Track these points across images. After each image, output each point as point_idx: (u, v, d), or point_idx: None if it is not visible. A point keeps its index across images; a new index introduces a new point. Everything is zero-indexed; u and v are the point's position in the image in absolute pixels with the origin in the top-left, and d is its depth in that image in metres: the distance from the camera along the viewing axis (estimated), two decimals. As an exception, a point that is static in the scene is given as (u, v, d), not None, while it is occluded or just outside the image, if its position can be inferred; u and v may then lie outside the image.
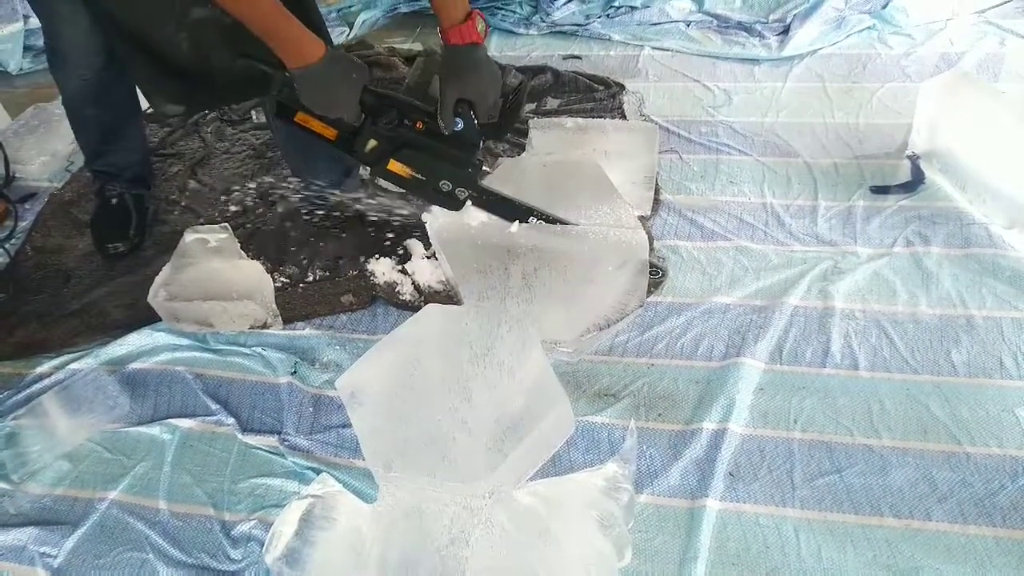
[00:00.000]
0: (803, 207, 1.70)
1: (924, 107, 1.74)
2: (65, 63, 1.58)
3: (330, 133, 1.42)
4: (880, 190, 1.71)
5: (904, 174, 1.75)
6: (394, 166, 1.41)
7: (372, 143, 1.39)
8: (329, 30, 2.62)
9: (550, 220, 1.50)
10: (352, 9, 2.75)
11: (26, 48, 2.70)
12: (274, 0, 1.20)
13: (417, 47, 2.46)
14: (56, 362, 1.51)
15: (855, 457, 1.21)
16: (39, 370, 1.51)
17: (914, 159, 1.76)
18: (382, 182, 1.48)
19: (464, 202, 1.46)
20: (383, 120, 1.37)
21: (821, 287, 1.49)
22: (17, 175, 2.08)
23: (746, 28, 2.38)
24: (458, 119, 1.35)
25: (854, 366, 1.35)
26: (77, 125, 1.74)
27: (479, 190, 1.47)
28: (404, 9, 2.75)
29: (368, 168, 1.45)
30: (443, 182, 1.43)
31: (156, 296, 1.49)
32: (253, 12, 1.20)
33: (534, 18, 2.57)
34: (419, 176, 1.42)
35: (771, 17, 2.38)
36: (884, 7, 2.34)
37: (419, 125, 1.38)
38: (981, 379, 1.30)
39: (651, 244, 1.56)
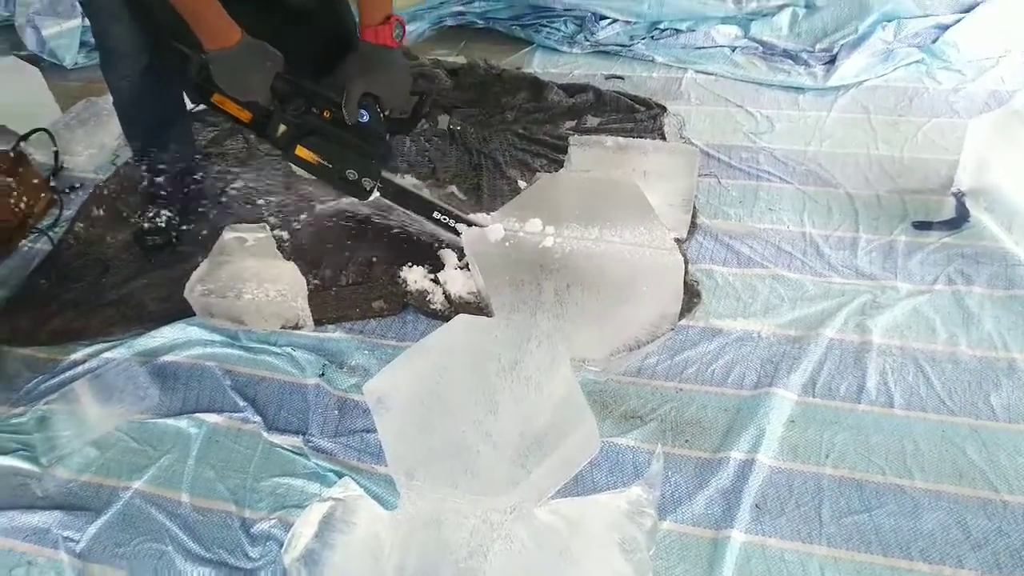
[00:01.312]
0: (843, 238, 1.67)
1: (972, 144, 1.71)
2: (114, 62, 1.61)
3: (245, 116, 1.47)
4: (923, 225, 1.68)
5: (948, 211, 1.72)
6: (301, 152, 1.45)
7: (283, 128, 1.44)
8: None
9: (452, 216, 1.53)
10: (399, 20, 2.79)
11: (81, 44, 2.77)
12: None
13: (461, 60, 2.48)
14: (90, 350, 1.54)
15: (886, 497, 1.18)
16: (74, 357, 1.53)
17: (959, 196, 1.73)
18: (294, 167, 1.52)
19: (371, 192, 1.50)
20: (290, 107, 1.42)
21: (859, 321, 1.46)
22: (65, 166, 2.13)
23: (792, 56, 2.36)
24: (364, 111, 1.39)
25: (889, 403, 1.32)
26: (126, 123, 1.78)
27: (384, 181, 1.51)
28: (450, 23, 2.77)
29: (280, 151, 1.49)
30: (349, 171, 1.47)
31: (192, 291, 1.51)
32: None
33: (578, 37, 2.57)
34: (325, 163, 1.46)
35: (818, 46, 2.36)
36: (934, 41, 2.30)
37: (326, 114, 1.43)
38: (1021, 425, 1.26)
39: (686, 267, 1.55)
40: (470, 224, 1.56)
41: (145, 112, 1.73)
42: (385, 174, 1.51)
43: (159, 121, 1.76)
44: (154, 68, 1.60)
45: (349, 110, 1.38)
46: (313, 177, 1.51)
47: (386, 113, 1.44)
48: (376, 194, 1.52)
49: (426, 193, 1.57)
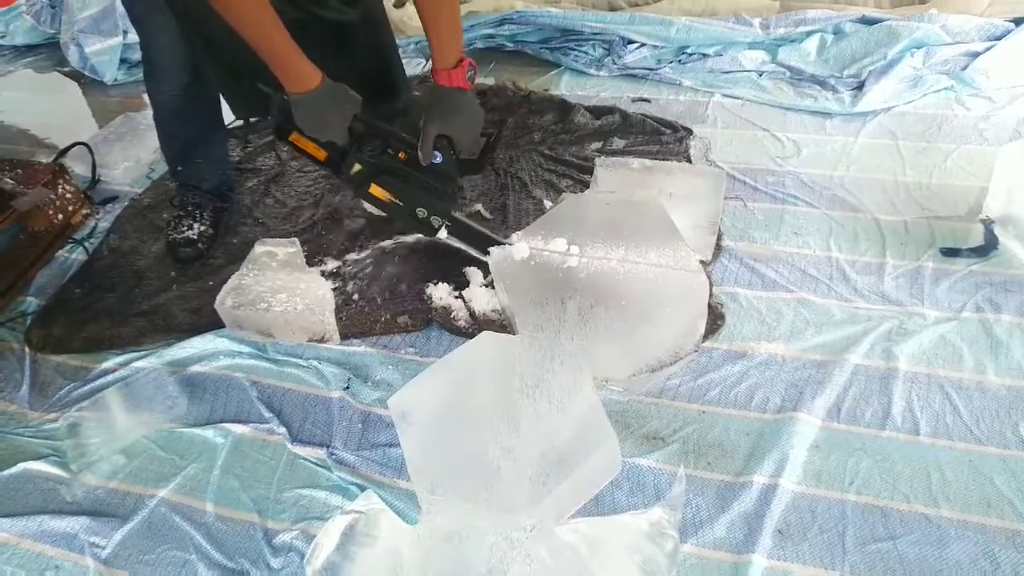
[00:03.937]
0: (870, 264, 1.66)
1: (1002, 171, 1.69)
2: (157, 76, 1.66)
3: (320, 154, 1.52)
4: (951, 252, 1.67)
5: (976, 238, 1.70)
6: (375, 190, 1.50)
7: (357, 167, 1.49)
8: (406, 61, 2.72)
9: None
10: (429, 42, 2.84)
11: (122, 61, 2.86)
12: (279, 27, 1.28)
13: (490, 81, 2.52)
14: (121, 359, 1.57)
15: (911, 525, 1.16)
16: (105, 365, 1.57)
17: (988, 223, 1.72)
18: (366, 204, 1.55)
19: (438, 230, 1.55)
20: (367, 147, 1.48)
21: (885, 347, 1.45)
22: (102, 178, 2.19)
23: (820, 82, 2.36)
24: (437, 152, 1.43)
25: (915, 431, 1.30)
26: (164, 137, 1.83)
27: (453, 220, 1.54)
28: (479, 45, 2.81)
29: (353, 189, 1.54)
30: (419, 209, 1.52)
31: (223, 303, 1.54)
32: (259, 37, 1.28)
33: (606, 60, 2.60)
34: (397, 201, 1.51)
35: (846, 72, 2.36)
36: (964, 68, 2.30)
37: (401, 155, 1.48)
38: (1052, 456, 1.24)
39: (710, 289, 1.55)
40: None
41: (183, 127, 1.78)
42: (456, 214, 1.55)
43: (196, 136, 1.81)
44: (196, 84, 1.65)
45: (425, 152, 1.41)
46: (384, 214, 1.56)
47: (458, 154, 1.48)
48: (444, 232, 1.56)
49: (488, 230, 1.59)
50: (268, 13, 1.26)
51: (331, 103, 1.39)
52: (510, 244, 1.54)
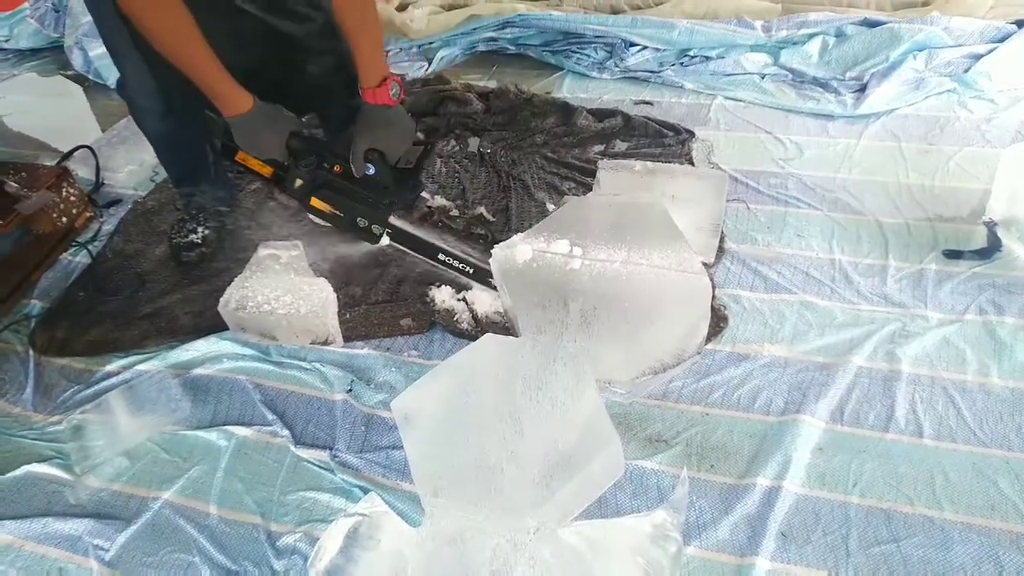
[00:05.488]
0: (872, 266, 1.66)
1: (1005, 173, 1.69)
2: (132, 101, 1.65)
3: (266, 171, 1.60)
4: (953, 255, 1.67)
5: (979, 240, 1.70)
6: (315, 202, 1.56)
7: (299, 182, 1.56)
8: (408, 64, 2.73)
9: (458, 259, 1.60)
10: (432, 45, 2.84)
11: (125, 64, 2.86)
12: (210, 57, 1.32)
13: (492, 84, 2.52)
14: (125, 361, 1.58)
15: (915, 528, 1.16)
16: (108, 368, 1.57)
17: (991, 226, 1.71)
18: (311, 216, 1.61)
19: (380, 237, 1.60)
20: (303, 163, 1.54)
21: (888, 349, 1.45)
22: (105, 182, 2.19)
23: (822, 84, 2.36)
24: (370, 165, 1.51)
25: (918, 433, 1.30)
26: (159, 156, 1.84)
27: (392, 227, 1.59)
28: (482, 48, 2.82)
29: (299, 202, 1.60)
30: (359, 219, 1.58)
31: (226, 305, 1.54)
32: (192, 66, 1.33)
33: (608, 63, 2.60)
34: (337, 212, 1.57)
35: (848, 74, 2.36)
36: (966, 71, 2.30)
37: (337, 168, 1.55)
38: (1056, 458, 1.24)
39: (713, 292, 1.55)
40: (475, 268, 1.61)
41: (173, 150, 1.79)
42: (395, 220, 1.60)
43: (188, 157, 1.81)
44: (173, 113, 1.64)
45: (356, 166, 1.50)
46: (329, 225, 1.61)
47: (392, 165, 1.55)
48: (386, 239, 1.61)
49: (434, 238, 1.64)
50: (198, 46, 1.30)
51: (265, 123, 1.45)
52: (451, 252, 1.60)
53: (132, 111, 1.69)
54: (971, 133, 2.09)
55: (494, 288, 1.58)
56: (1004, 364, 1.41)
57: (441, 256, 1.62)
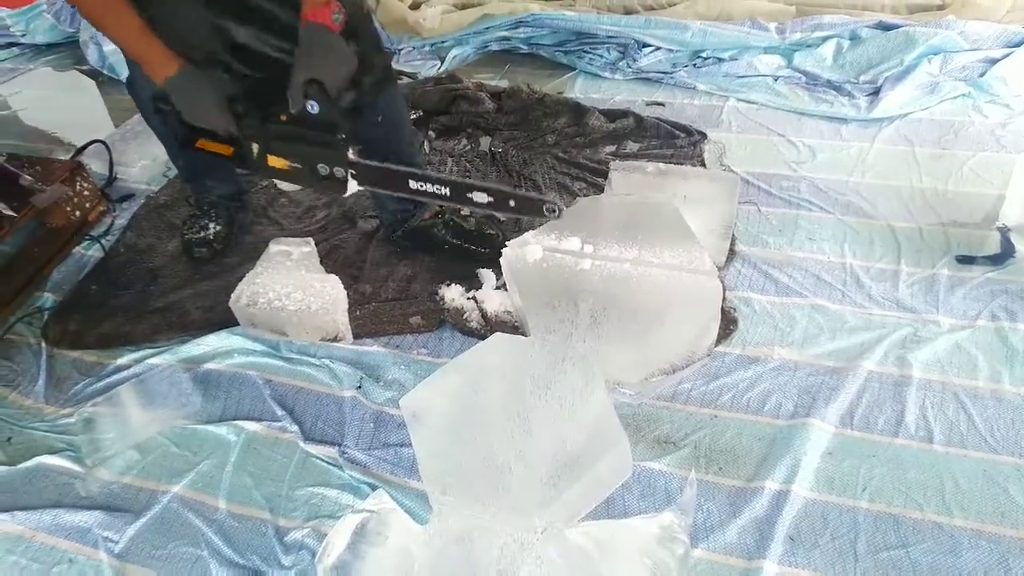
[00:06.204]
0: (884, 271, 1.65)
1: (1020, 178, 1.68)
2: (142, 104, 1.65)
3: (226, 150, 1.46)
4: (966, 260, 1.66)
5: (992, 246, 1.69)
6: (272, 160, 1.43)
7: (256, 147, 1.43)
8: (420, 62, 2.73)
9: (432, 181, 1.40)
10: (445, 44, 2.84)
11: (139, 59, 2.88)
12: (137, 24, 1.30)
13: (504, 83, 2.52)
14: (136, 355, 1.59)
15: (924, 534, 1.16)
16: (120, 361, 1.58)
17: (1004, 231, 1.70)
18: (278, 183, 1.49)
19: (346, 182, 1.43)
20: (249, 121, 1.40)
21: (899, 354, 1.44)
22: (119, 176, 2.21)
23: (835, 87, 2.35)
24: (313, 102, 1.34)
25: (928, 439, 1.30)
26: (168, 152, 1.84)
27: (354, 165, 1.42)
28: (495, 47, 2.82)
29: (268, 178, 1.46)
30: (320, 165, 1.41)
31: (238, 301, 1.55)
32: (119, 31, 1.32)
33: (620, 63, 2.60)
34: (296, 164, 1.42)
35: (862, 78, 2.35)
36: (981, 75, 2.28)
37: (283, 117, 1.38)
38: (1068, 466, 1.23)
39: (723, 294, 1.54)
40: (452, 185, 1.40)
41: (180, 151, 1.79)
42: (355, 158, 1.42)
43: (197, 153, 1.81)
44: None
45: (294, 98, 1.34)
46: (295, 186, 1.49)
47: (335, 99, 1.39)
48: (354, 185, 1.45)
49: (397, 165, 1.44)
50: (123, 12, 1.28)
51: (196, 86, 1.38)
52: (423, 176, 1.41)
53: (141, 108, 1.69)
54: (986, 138, 2.08)
55: (476, 207, 1.39)
56: (1016, 370, 1.40)
57: (412, 183, 1.43)
